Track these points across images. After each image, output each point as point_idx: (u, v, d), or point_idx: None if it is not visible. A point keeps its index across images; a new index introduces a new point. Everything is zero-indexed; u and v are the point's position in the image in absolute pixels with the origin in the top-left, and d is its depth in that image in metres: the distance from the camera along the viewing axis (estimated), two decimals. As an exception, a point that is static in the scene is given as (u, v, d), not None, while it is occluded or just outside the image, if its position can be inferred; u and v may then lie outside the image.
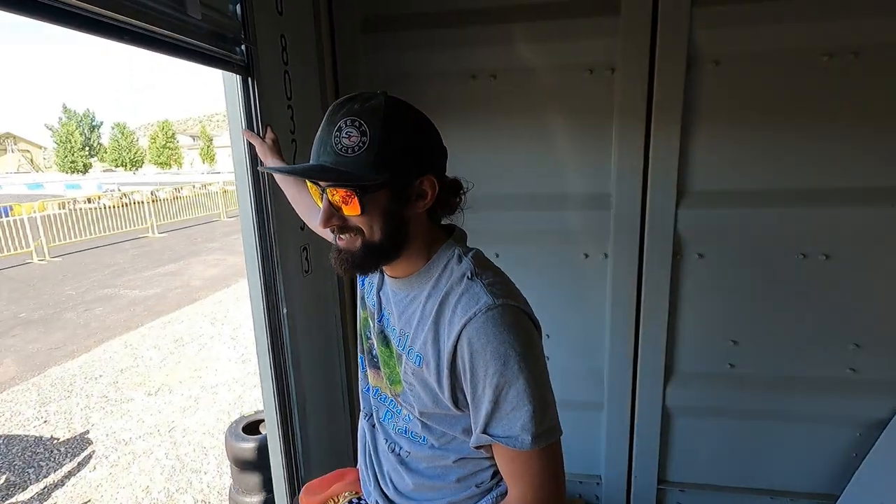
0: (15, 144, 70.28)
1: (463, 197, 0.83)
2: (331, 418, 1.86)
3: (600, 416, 2.02)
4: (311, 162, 0.72)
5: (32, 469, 2.86)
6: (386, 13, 1.83)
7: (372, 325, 0.89)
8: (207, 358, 4.39)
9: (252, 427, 2.01)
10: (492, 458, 0.81)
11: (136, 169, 53.33)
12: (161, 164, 52.84)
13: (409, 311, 0.80)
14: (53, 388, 3.90)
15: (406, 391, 0.81)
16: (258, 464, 1.87)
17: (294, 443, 1.57)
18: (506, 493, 0.80)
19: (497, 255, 1.92)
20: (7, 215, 11.43)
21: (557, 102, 1.81)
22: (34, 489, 2.68)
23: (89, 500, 2.56)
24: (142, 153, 55.01)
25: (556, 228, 1.89)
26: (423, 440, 0.84)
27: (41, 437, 3.19)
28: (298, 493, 1.61)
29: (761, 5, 1.60)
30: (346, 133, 0.67)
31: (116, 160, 53.16)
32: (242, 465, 1.93)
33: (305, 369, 1.64)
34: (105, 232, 11.35)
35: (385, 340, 0.85)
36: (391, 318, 0.84)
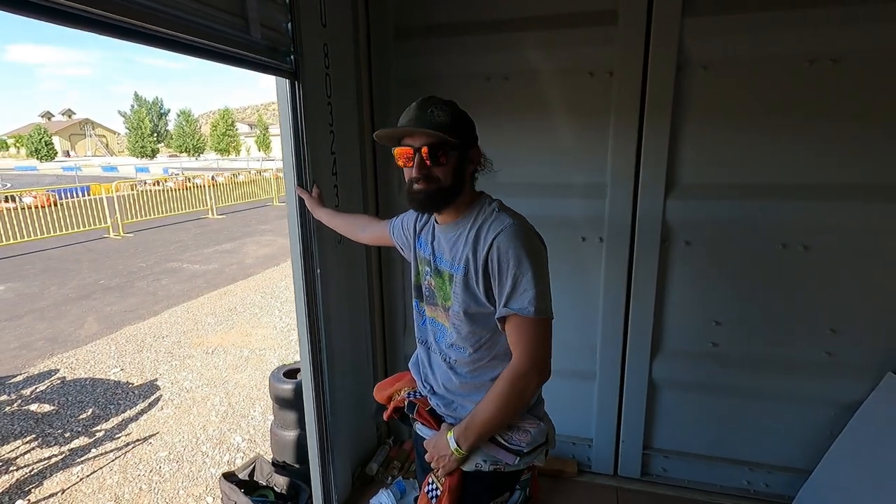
0: (93, 130, 75.96)
1: (485, 171, 1.20)
2: (356, 366, 2.19)
3: (592, 386, 2.25)
4: (415, 127, 1.07)
5: (113, 406, 3.39)
6: (415, 23, 2.12)
7: (428, 270, 1.22)
8: (257, 325, 4.88)
9: (291, 373, 2.38)
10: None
11: (198, 155, 56.46)
12: (221, 150, 55.66)
13: (458, 243, 1.13)
14: (128, 344, 4.49)
15: (454, 301, 1.13)
16: (295, 403, 2.23)
17: (323, 385, 1.91)
18: None
19: (504, 237, 2.19)
20: (86, 194, 12.67)
21: (561, 102, 2.04)
22: (114, 421, 3.19)
23: (157, 433, 3.04)
24: (203, 140, 58.15)
25: (558, 214, 2.12)
26: (463, 350, 1.16)
27: (119, 382, 3.73)
28: (328, 429, 1.96)
29: (747, 16, 1.77)
30: (437, 113, 1.06)
31: (181, 146, 56.45)
32: (282, 403, 2.30)
33: (336, 323, 1.97)
34: (170, 212, 12.33)
35: (439, 273, 1.19)
36: (444, 255, 1.17)
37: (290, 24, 1.58)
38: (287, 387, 2.27)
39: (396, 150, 1.12)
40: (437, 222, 1.22)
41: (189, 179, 17.70)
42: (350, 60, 2.05)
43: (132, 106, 55.77)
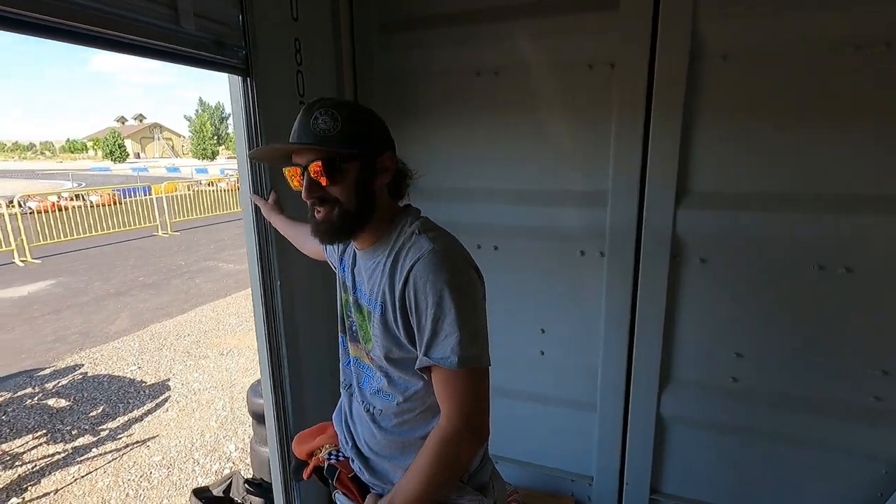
0: (161, 133, 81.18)
1: (411, 182, 1.00)
2: (320, 382, 2.05)
3: (593, 417, 1.99)
4: (292, 141, 0.90)
5: (122, 404, 3.44)
6: (401, 15, 1.95)
7: (350, 301, 1.05)
8: (275, 328, 4.88)
9: (272, 387, 2.28)
10: None
11: (254, 157, 59.00)
12: (274, 152, 57.90)
13: (375, 273, 0.95)
14: (151, 341, 4.60)
15: (375, 344, 0.96)
16: (271, 419, 2.12)
17: (284, 403, 1.78)
18: None
19: (496, 248, 1.99)
20: (148, 194, 13.42)
21: (557, 98, 1.82)
22: (120, 420, 3.23)
23: (157, 435, 3.03)
24: (259, 142, 60.66)
25: (553, 225, 1.89)
26: (391, 397, 0.98)
27: (133, 380, 3.80)
28: (288, 446, 1.83)
29: (777, -7, 1.48)
30: (322, 120, 0.86)
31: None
32: (260, 419, 2.20)
33: (304, 337, 1.84)
34: (218, 211, 12.83)
35: (359, 308, 1.01)
36: (363, 285, 0.99)
37: (241, 17, 1.45)
38: (263, 401, 2.16)
39: (286, 172, 0.93)
40: (355, 246, 1.03)
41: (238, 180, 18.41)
42: (330, 57, 1.91)
43: (196, 110, 59.10)
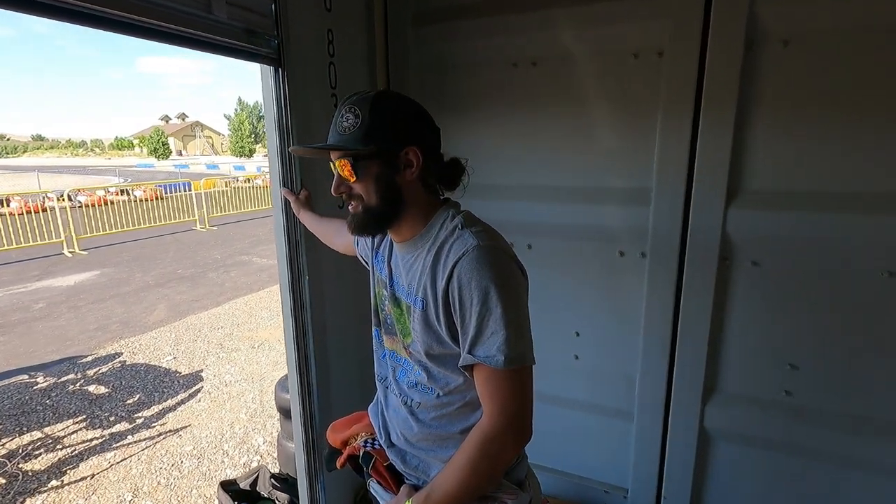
0: (202, 131, 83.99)
1: (465, 177, 0.97)
2: (347, 377, 2.02)
3: (630, 427, 1.89)
4: (321, 143, 0.92)
5: (158, 393, 3.52)
6: (435, 5, 1.90)
7: (385, 294, 1.02)
8: (305, 323, 4.92)
9: (300, 382, 2.27)
10: None
11: (290, 154, 60.45)
12: (309, 150, 59.12)
13: (414, 267, 0.93)
14: (186, 332, 4.71)
15: (414, 339, 0.94)
16: (298, 414, 2.11)
17: (311, 397, 1.75)
18: None
19: (530, 247, 1.91)
20: (188, 189, 13.87)
21: (599, 90, 1.72)
22: (155, 409, 3.30)
23: (189, 425, 3.09)
24: (295, 140, 62.09)
25: (592, 223, 1.80)
26: (431, 390, 0.95)
27: (169, 370, 3.89)
28: (315, 445, 1.81)
29: (846, -27, 1.35)
30: (344, 118, 0.87)
31: (275, 146, 60.80)
32: (287, 414, 2.19)
33: (332, 333, 1.81)
34: (254, 207, 13.13)
35: (396, 301, 0.99)
36: (400, 279, 0.98)
37: (273, 6, 1.43)
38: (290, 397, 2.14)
39: (331, 165, 0.94)
40: (393, 239, 1.00)
41: (274, 177, 18.81)
42: (363, 48, 1.88)
43: (235, 109, 60.88)
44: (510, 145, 1.89)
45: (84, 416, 3.20)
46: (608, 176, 1.76)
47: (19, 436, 2.98)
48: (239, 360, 4.05)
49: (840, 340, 1.55)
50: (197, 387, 3.60)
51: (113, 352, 4.27)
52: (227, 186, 16.68)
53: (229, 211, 12.23)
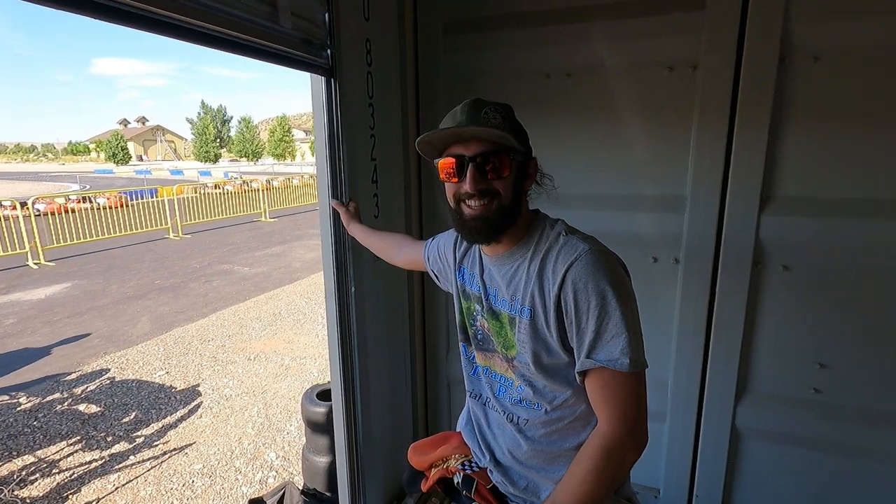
0: (163, 136, 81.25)
1: (544, 187, 0.99)
2: (394, 391, 2.00)
3: (663, 428, 1.94)
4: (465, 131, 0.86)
5: (155, 410, 3.38)
6: (467, 15, 1.91)
7: (479, 309, 1.01)
8: (300, 332, 4.83)
9: (324, 394, 2.22)
10: None
11: (257, 159, 59.07)
12: (277, 155, 57.98)
13: (516, 279, 0.92)
14: (175, 346, 4.54)
15: (520, 350, 0.92)
16: (328, 427, 2.07)
17: (355, 410, 1.73)
18: None
19: (562, 254, 1.94)
20: (154, 196, 13.39)
21: (633, 101, 1.77)
22: (154, 427, 3.17)
23: (194, 443, 2.98)
24: (262, 145, 60.78)
25: (625, 230, 1.85)
26: (538, 406, 0.94)
27: (163, 385, 3.74)
28: (359, 458, 1.78)
29: (873, -6, 1.44)
30: (493, 116, 0.86)
31: (241, 151, 59.29)
32: (315, 427, 2.15)
33: (372, 345, 1.79)
34: (227, 214, 12.78)
35: (495, 314, 0.97)
36: (499, 292, 0.96)
37: (327, 15, 1.41)
38: (320, 409, 2.11)
39: (440, 162, 0.90)
40: (484, 252, 0.99)
41: (246, 183, 18.38)
42: (395, 58, 1.87)
43: (199, 113, 59.21)
44: (543, 154, 1.88)
45: (78, 437, 3.05)
46: (642, 184, 1.81)
47: (10, 461, 2.81)
48: (236, 373, 3.93)
49: (867, 339, 1.64)
50: (196, 402, 3.48)
51: (99, 368, 4.08)
52: (195, 193, 16.21)
53: (202, 218, 11.86)
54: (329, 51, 1.43)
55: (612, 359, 0.81)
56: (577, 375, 0.87)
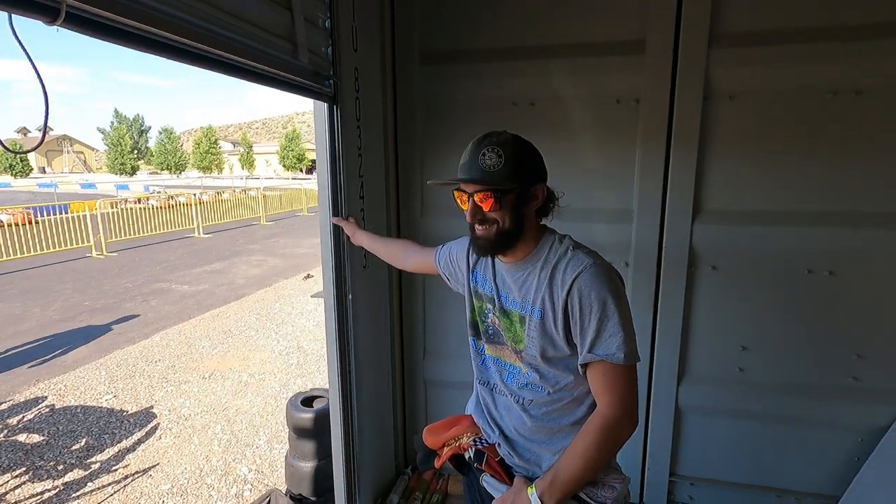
0: (70, 146, 74.52)
1: (555, 205, 1.15)
2: (378, 393, 2.14)
3: (618, 411, 2.22)
4: (461, 177, 1.06)
5: (107, 435, 3.23)
6: (441, 49, 2.13)
7: (490, 307, 1.18)
8: (254, 349, 4.75)
9: (308, 401, 2.30)
10: (594, 404, 1.09)
11: (180, 172, 55.78)
12: (203, 168, 55.10)
13: (527, 284, 1.10)
14: (119, 369, 4.32)
15: (528, 344, 1.10)
16: (314, 432, 2.16)
17: (352, 415, 1.85)
18: None
19: (529, 261, 2.18)
20: (66, 212, 12.33)
21: (588, 128, 2.06)
22: (110, 452, 3.04)
23: (158, 464, 2.90)
24: (185, 157, 57.54)
25: (584, 238, 2.03)
26: (541, 389, 1.11)
27: (112, 410, 3.57)
28: (355, 461, 1.90)
29: (771, 49, 1.82)
30: (487, 156, 1.02)
31: (162, 163, 55.74)
32: (300, 433, 2.22)
33: (362, 352, 1.92)
34: (154, 231, 12.07)
35: (506, 313, 1.14)
36: (510, 294, 1.13)
37: (330, 49, 1.57)
38: (306, 416, 2.19)
39: (455, 194, 1.10)
40: (498, 258, 1.17)
41: (172, 197, 17.40)
42: (378, 84, 2.04)
43: (112, 122, 55.07)
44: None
45: (24, 469, 2.86)
46: (597, 199, 2.09)
47: (-54, 499, 2.60)
48: (192, 393, 3.83)
49: (778, 324, 2.01)
50: (152, 424, 3.36)
51: (34, 396, 3.80)
52: (114, 208, 15.12)
53: (127, 235, 11.12)
54: (332, 80, 1.58)
55: (609, 353, 0.99)
56: (579, 367, 1.06)
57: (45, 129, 0.89)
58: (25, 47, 0.78)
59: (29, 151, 1.26)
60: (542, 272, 1.08)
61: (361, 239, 1.64)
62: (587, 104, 2.04)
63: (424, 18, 2.12)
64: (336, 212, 1.69)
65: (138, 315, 5.62)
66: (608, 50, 1.97)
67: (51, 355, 4.63)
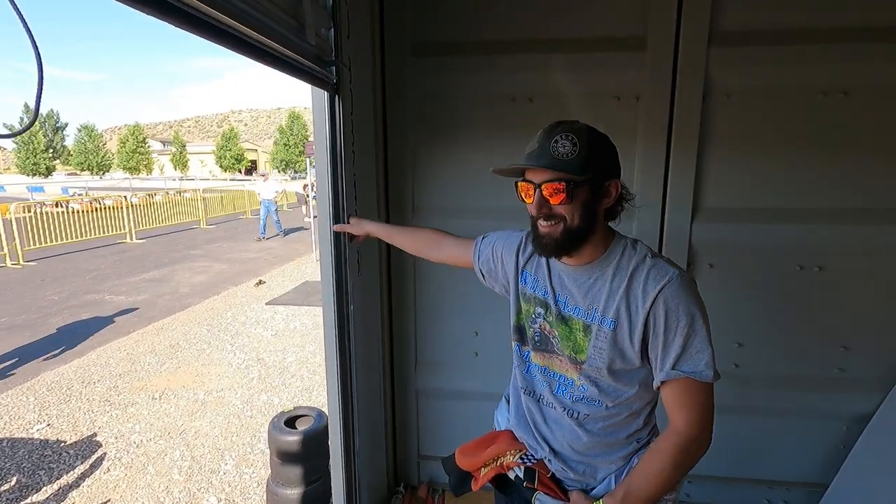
0: (-29, 144, 67.01)
1: (625, 206, 1.05)
2: (371, 407, 1.98)
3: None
4: (530, 164, 0.95)
5: (43, 471, 2.83)
6: (435, 39, 2.00)
7: (542, 312, 1.08)
8: (208, 363, 4.39)
9: (291, 421, 2.10)
10: (650, 414, 1.06)
11: (103, 173, 51.69)
12: (130, 168, 51.35)
13: (594, 290, 1.01)
14: (50, 393, 3.84)
15: (592, 355, 1.01)
16: (301, 456, 1.96)
17: (353, 434, 1.68)
18: None
19: (527, 262, 2.10)
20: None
21: (588, 124, 2.01)
22: (48, 490, 2.66)
23: (108, 500, 2.57)
24: (110, 157, 53.37)
25: (583, 238, 2.06)
26: (599, 403, 1.04)
27: (47, 441, 3.15)
28: (356, 481, 1.73)
29: (767, 49, 1.84)
30: (560, 144, 0.93)
31: (82, 163, 51.43)
32: (285, 457, 2.02)
33: (360, 364, 1.76)
34: (78, 237, 11.03)
35: (564, 319, 1.05)
36: (572, 299, 1.04)
37: (331, 32, 1.41)
38: (292, 438, 1.99)
39: (518, 186, 1.00)
40: (560, 260, 1.06)
41: (97, 200, 15.99)
42: (369, 75, 1.89)
43: (21, 119, 50.16)
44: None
45: (-61, 520, 2.44)
46: (597, 198, 2.05)
47: None
48: (141, 416, 3.45)
49: (771, 319, 2.05)
50: (97, 455, 2.99)
51: (-55, 430, 3.29)
52: (28, 212, 13.67)
53: (47, 242, 10.08)
54: (334, 67, 1.42)
55: (696, 370, 0.94)
56: (657, 383, 0.99)
57: None
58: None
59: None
60: (616, 279, 0.99)
61: (375, 230, 1.48)
62: (587, 101, 1.99)
63: (417, 7, 1.99)
64: (338, 214, 1.52)
65: (69, 331, 5.03)
66: (609, 45, 1.92)
67: (-36, 381, 4.04)
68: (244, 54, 1.06)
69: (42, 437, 3.19)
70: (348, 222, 1.52)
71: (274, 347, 4.74)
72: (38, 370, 4.26)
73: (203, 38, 0.96)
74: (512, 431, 1.21)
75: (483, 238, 1.27)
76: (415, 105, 2.06)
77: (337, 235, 1.53)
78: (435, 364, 2.27)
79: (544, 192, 0.94)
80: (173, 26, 0.90)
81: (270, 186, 11.95)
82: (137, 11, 0.81)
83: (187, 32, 0.93)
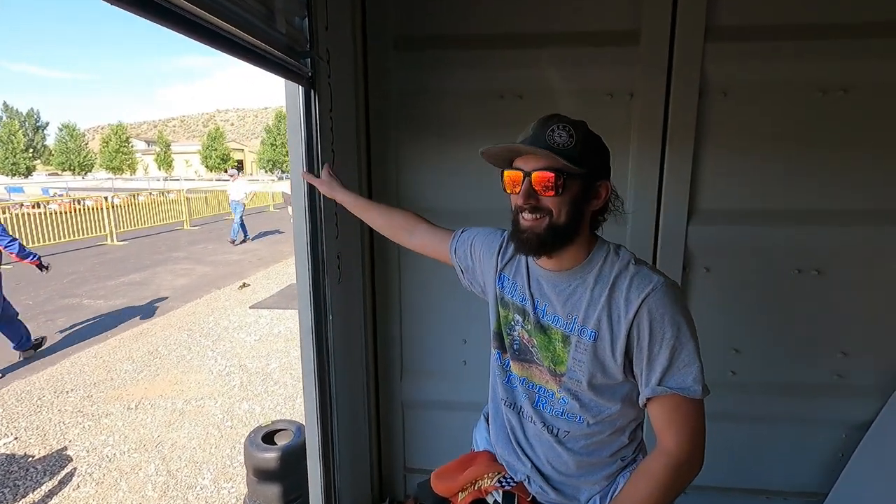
0: (-53, 143, 65.35)
1: (611, 214, 0.99)
2: (354, 420, 1.87)
3: (611, 422, 2.11)
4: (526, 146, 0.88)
5: (7, 489, 2.67)
6: (421, 33, 1.91)
7: (520, 319, 1.00)
8: (188, 370, 4.24)
9: (269, 437, 1.99)
10: (636, 431, 0.98)
11: (85, 173, 50.74)
12: (113, 168, 50.47)
13: (574, 298, 0.93)
14: (19, 404, 3.66)
15: (572, 367, 0.93)
16: (280, 474, 1.85)
17: (332, 444, 1.58)
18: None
19: (517, 267, 2.01)
20: (-55, 219, 10.65)
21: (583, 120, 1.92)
22: (13, 510, 2.51)
23: (77, 520, 2.43)
24: (92, 157, 52.41)
25: (575, 242, 1.98)
26: (580, 419, 0.96)
27: (14, 455, 2.99)
28: (336, 497, 1.63)
29: (765, 45, 1.77)
30: (557, 133, 0.87)
31: (63, 163, 50.42)
32: (262, 475, 1.90)
33: (339, 375, 1.66)
34: (57, 239, 10.73)
35: (542, 328, 0.97)
36: (550, 307, 0.96)
37: (306, 21, 1.30)
38: (270, 455, 1.88)
39: (505, 175, 0.91)
40: (538, 264, 0.99)
41: (78, 201, 15.61)
42: (350, 69, 1.79)
43: (0, 117, 49.07)
44: (495, 171, 1.97)
45: None
46: (589, 199, 1.96)
47: None
48: (115, 427, 3.30)
49: (769, 325, 1.99)
50: (67, 470, 2.84)
51: None
52: (5, 213, 13.28)
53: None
54: (309, 59, 1.32)
55: (684, 386, 0.87)
56: (642, 399, 0.91)
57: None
58: None
59: None
60: (597, 287, 0.92)
61: (344, 198, 1.31)
62: (579, 98, 1.90)
63: (400, -2, 1.89)
64: (314, 221, 1.41)
65: (43, 337, 4.84)
66: (601, 40, 1.84)
67: (-72, 392, 3.85)
68: (205, 42, 0.95)
69: (8, 452, 3.02)
70: (321, 176, 1.37)
71: (257, 353, 4.60)
72: (8, 380, 4.07)
73: (156, 24, 0.86)
74: (490, 452, 1.13)
75: (462, 232, 1.18)
76: (399, 102, 1.96)
77: (315, 237, 1.43)
78: (422, 373, 2.17)
79: (534, 181, 0.87)
80: (123, 10, 0.79)
81: (239, 187, 11.00)
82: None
83: (139, 17, 0.82)
